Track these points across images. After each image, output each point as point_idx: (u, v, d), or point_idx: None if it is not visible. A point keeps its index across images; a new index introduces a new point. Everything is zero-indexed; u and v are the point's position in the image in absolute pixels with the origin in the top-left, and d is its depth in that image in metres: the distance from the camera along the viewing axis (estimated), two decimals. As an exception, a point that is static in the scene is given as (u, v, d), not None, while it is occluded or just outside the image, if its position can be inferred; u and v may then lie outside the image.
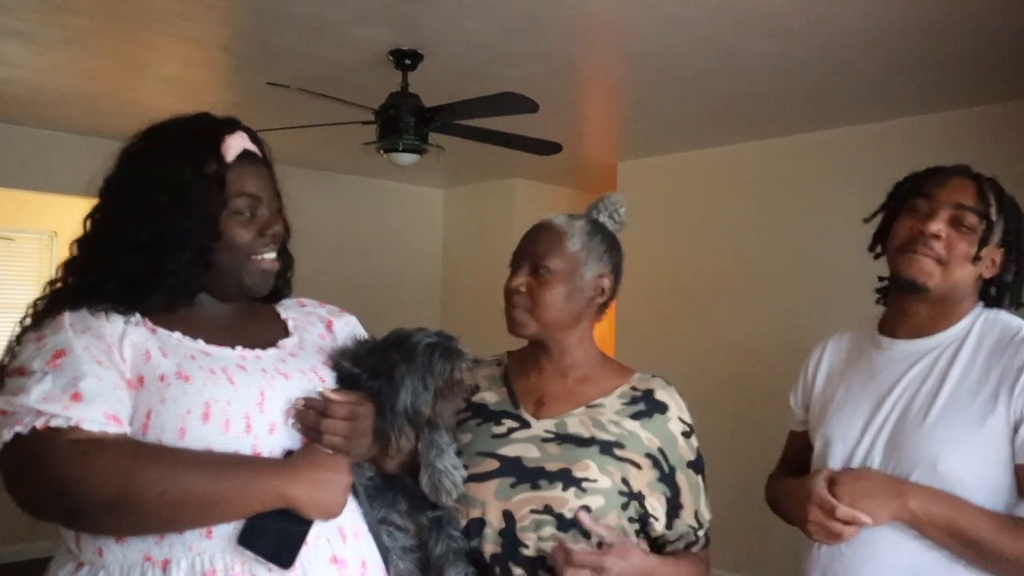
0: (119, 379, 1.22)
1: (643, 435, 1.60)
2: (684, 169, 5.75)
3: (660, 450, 1.60)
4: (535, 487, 1.54)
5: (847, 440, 1.65)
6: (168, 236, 1.30)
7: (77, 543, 1.25)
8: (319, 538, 1.29)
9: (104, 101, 4.62)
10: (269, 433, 1.29)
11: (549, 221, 1.69)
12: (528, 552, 1.51)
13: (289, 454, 1.30)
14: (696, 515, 1.64)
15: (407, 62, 3.73)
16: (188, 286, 1.35)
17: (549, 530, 1.50)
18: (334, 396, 1.36)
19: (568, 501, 1.51)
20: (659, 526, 1.59)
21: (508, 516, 1.53)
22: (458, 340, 1.51)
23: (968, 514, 1.47)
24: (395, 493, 1.50)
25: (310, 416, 1.33)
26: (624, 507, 1.54)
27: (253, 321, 1.46)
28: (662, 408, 1.64)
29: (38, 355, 1.22)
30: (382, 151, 3.97)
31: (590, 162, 6.08)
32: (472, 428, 1.66)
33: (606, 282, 1.68)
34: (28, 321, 1.32)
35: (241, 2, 3.19)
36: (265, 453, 1.28)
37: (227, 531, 1.22)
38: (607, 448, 1.57)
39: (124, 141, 1.41)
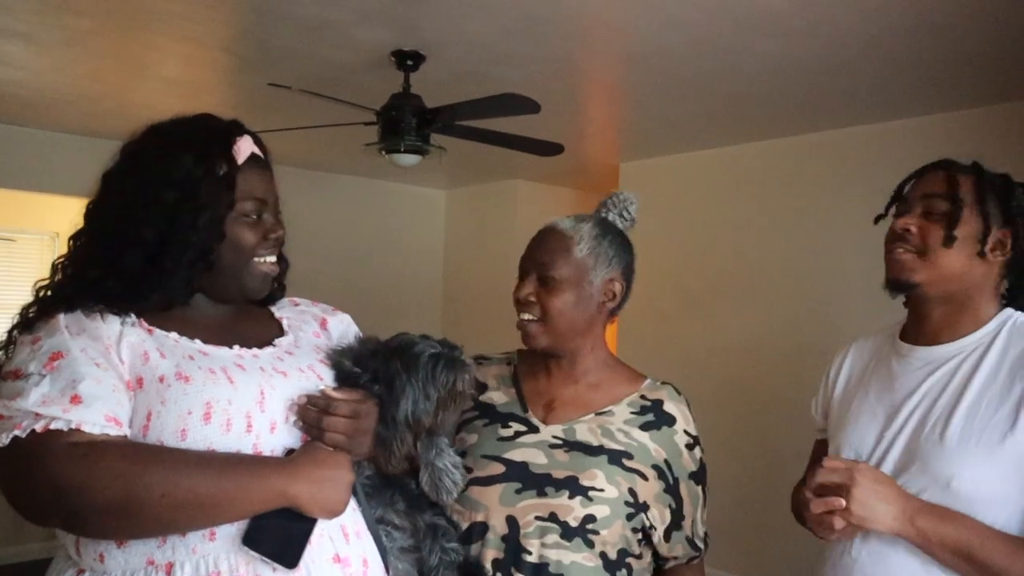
0: (118, 381, 1.21)
1: (651, 446, 1.58)
2: (686, 170, 5.75)
3: (666, 462, 1.59)
4: (541, 494, 1.52)
5: (860, 450, 1.61)
6: (173, 235, 1.30)
7: (77, 549, 1.23)
8: (322, 536, 1.28)
9: (105, 102, 4.62)
10: (270, 432, 1.29)
11: (555, 225, 1.64)
12: (531, 559, 1.49)
13: (290, 452, 1.30)
14: (693, 525, 1.64)
15: (409, 63, 3.72)
16: (189, 286, 1.34)
17: (553, 537, 1.49)
18: (336, 394, 1.36)
19: (573, 509, 1.50)
20: (656, 536, 1.58)
21: (512, 522, 1.52)
22: (462, 350, 1.50)
23: (980, 535, 1.40)
24: (393, 492, 1.50)
25: (312, 413, 1.33)
26: (629, 518, 1.53)
27: (248, 320, 1.46)
28: (670, 420, 1.62)
29: (34, 358, 1.20)
30: (384, 152, 3.96)
31: (592, 163, 6.07)
32: (478, 428, 1.65)
33: (617, 286, 1.65)
34: (19, 323, 1.30)
35: (242, 3, 3.19)
36: (266, 452, 1.28)
37: (231, 532, 1.21)
38: (616, 458, 1.55)
39: (125, 139, 1.40)
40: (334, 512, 1.29)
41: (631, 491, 1.53)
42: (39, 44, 3.66)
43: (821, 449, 1.83)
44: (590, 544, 1.49)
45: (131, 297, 1.29)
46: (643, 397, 1.64)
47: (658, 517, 1.57)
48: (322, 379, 1.41)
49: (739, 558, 4.91)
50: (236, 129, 1.40)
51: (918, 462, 1.49)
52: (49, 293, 1.33)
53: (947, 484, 1.45)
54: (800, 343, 4.77)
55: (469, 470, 1.56)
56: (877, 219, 1.71)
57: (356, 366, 1.45)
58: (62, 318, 1.25)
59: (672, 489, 1.59)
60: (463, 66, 3.87)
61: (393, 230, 7.24)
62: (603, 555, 1.50)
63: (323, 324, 1.59)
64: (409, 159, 3.96)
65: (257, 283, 1.42)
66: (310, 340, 1.52)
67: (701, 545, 1.67)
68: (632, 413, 1.62)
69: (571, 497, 1.51)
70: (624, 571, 1.53)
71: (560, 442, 1.58)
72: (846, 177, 4.69)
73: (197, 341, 1.33)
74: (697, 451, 1.65)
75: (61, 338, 1.22)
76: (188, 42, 3.62)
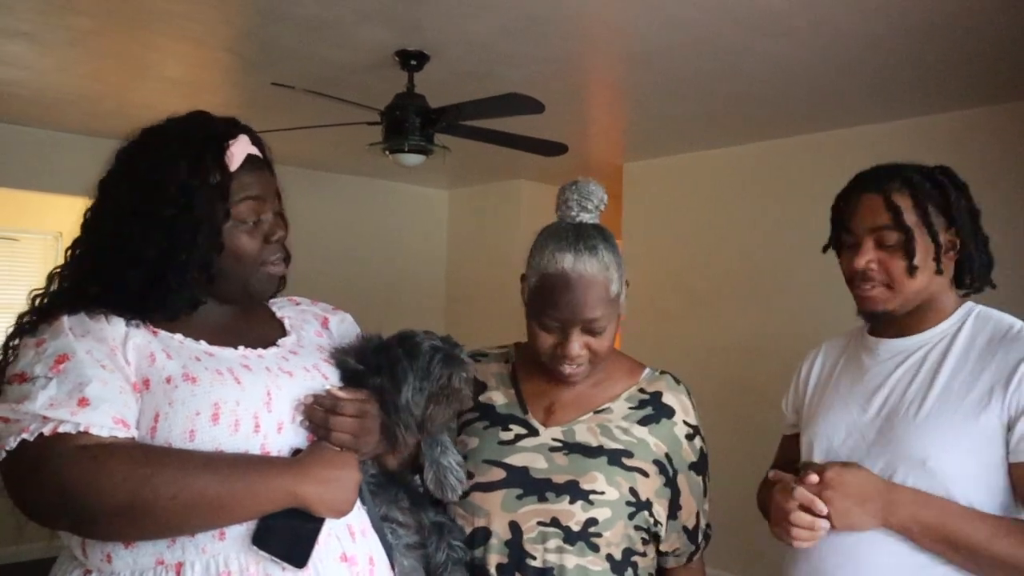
0: (124, 383, 1.21)
1: (651, 441, 1.57)
2: (689, 170, 5.74)
3: (667, 455, 1.58)
4: (542, 499, 1.51)
5: (832, 440, 1.64)
6: (174, 252, 1.28)
7: (83, 550, 1.22)
8: (330, 536, 1.29)
9: (108, 102, 4.63)
10: (277, 432, 1.29)
11: (583, 273, 1.49)
12: (535, 563, 1.48)
13: (297, 452, 1.30)
14: (697, 516, 1.62)
15: (413, 63, 3.73)
16: (192, 299, 1.33)
17: (555, 542, 1.48)
18: (342, 393, 1.36)
19: (575, 514, 1.49)
20: (662, 530, 1.57)
21: (515, 527, 1.51)
22: (463, 349, 1.49)
23: (960, 518, 1.43)
24: (397, 490, 1.50)
25: (318, 413, 1.33)
26: (631, 516, 1.52)
27: (251, 321, 1.45)
28: (669, 412, 1.60)
29: (39, 361, 1.19)
30: (387, 152, 3.96)
31: (596, 163, 6.07)
32: (479, 432, 1.63)
33: (625, 289, 1.60)
34: (17, 331, 1.29)
35: (245, 3, 3.19)
36: (274, 452, 1.28)
37: (240, 532, 1.21)
38: (615, 458, 1.54)
39: (120, 142, 1.37)
40: (342, 512, 1.29)
41: (632, 490, 1.52)
42: (42, 44, 3.67)
43: (789, 445, 1.87)
44: (594, 548, 1.48)
45: (134, 311, 1.28)
46: (641, 390, 1.63)
47: (661, 512, 1.56)
48: (327, 378, 1.41)
49: (739, 558, 4.90)
50: (229, 130, 1.36)
51: (893, 443, 1.53)
52: (46, 301, 1.32)
53: (923, 463, 1.48)
54: (803, 344, 4.75)
55: (471, 475, 1.55)
56: (824, 249, 1.76)
57: (360, 363, 1.45)
58: (66, 320, 1.24)
59: (671, 482, 1.58)
60: (466, 66, 3.87)
61: (396, 230, 7.24)
62: (609, 557, 1.49)
63: (324, 323, 1.59)
64: (413, 159, 3.96)
65: (264, 287, 1.42)
66: (312, 339, 1.52)
67: (700, 538, 1.64)
68: (631, 408, 1.60)
69: (572, 502, 1.50)
70: (631, 570, 1.53)
71: (560, 444, 1.56)
72: (849, 177, 4.67)
73: (202, 342, 1.32)
74: (697, 441, 1.62)
75: (66, 340, 1.21)
76: (190, 42, 3.63)
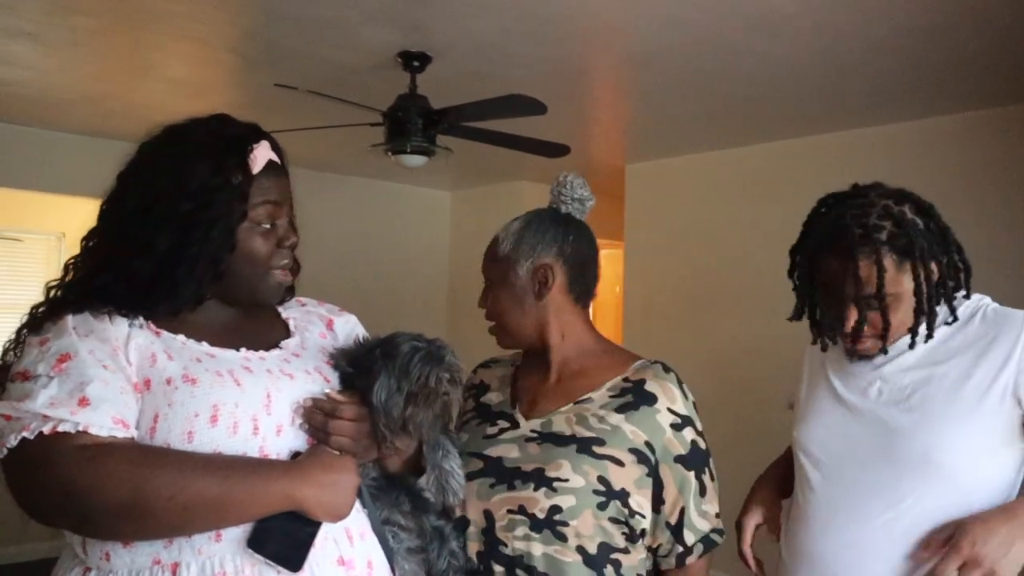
0: (125, 383, 1.21)
1: (627, 429, 1.53)
2: (692, 171, 5.74)
3: (647, 444, 1.52)
4: (511, 487, 1.53)
5: (829, 446, 1.64)
6: (186, 246, 1.29)
7: (83, 548, 1.23)
8: (326, 539, 1.29)
9: (111, 102, 4.63)
10: (276, 435, 1.29)
11: (497, 234, 1.71)
12: (507, 551, 1.51)
13: (296, 455, 1.30)
14: (681, 512, 1.54)
15: (415, 64, 3.73)
16: (198, 295, 1.34)
17: (523, 530, 1.50)
18: (341, 397, 1.36)
19: (539, 501, 1.49)
20: (647, 523, 1.53)
21: (488, 516, 1.54)
22: (449, 349, 1.46)
23: None
24: (399, 493, 1.49)
25: (318, 417, 1.33)
26: (602, 507, 1.49)
27: (255, 322, 1.45)
28: (650, 399, 1.55)
29: (42, 359, 1.20)
30: (390, 153, 3.97)
31: (598, 164, 6.07)
32: (472, 428, 1.67)
33: (548, 271, 1.62)
34: (29, 322, 1.30)
35: (249, 3, 3.19)
36: (272, 455, 1.28)
37: (236, 534, 1.22)
38: (586, 446, 1.52)
39: (142, 138, 1.39)
40: (339, 516, 1.29)
41: (601, 479, 1.49)
42: (46, 44, 3.68)
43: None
44: (561, 537, 1.48)
45: (140, 304, 1.29)
46: (626, 380, 1.59)
47: (644, 504, 1.53)
48: (328, 381, 1.41)
49: (739, 557, 4.89)
50: (254, 135, 1.38)
51: (892, 439, 1.53)
52: (59, 293, 1.33)
53: (927, 457, 1.48)
54: (803, 344, 4.75)
55: None
56: (791, 319, 1.75)
57: (351, 366, 1.44)
58: (70, 319, 1.25)
59: (653, 472, 1.53)
60: (469, 67, 3.87)
61: (398, 231, 7.24)
62: (581, 549, 1.48)
63: (329, 325, 1.59)
64: (415, 160, 3.96)
65: (272, 291, 1.43)
66: (316, 341, 1.52)
67: (692, 540, 1.54)
68: (610, 397, 1.57)
69: (536, 489, 1.50)
70: (611, 568, 1.50)
71: (535, 435, 1.58)
72: (851, 179, 4.57)
73: (204, 344, 1.33)
74: (687, 432, 1.55)
75: (69, 340, 1.22)
76: (194, 42, 3.63)
